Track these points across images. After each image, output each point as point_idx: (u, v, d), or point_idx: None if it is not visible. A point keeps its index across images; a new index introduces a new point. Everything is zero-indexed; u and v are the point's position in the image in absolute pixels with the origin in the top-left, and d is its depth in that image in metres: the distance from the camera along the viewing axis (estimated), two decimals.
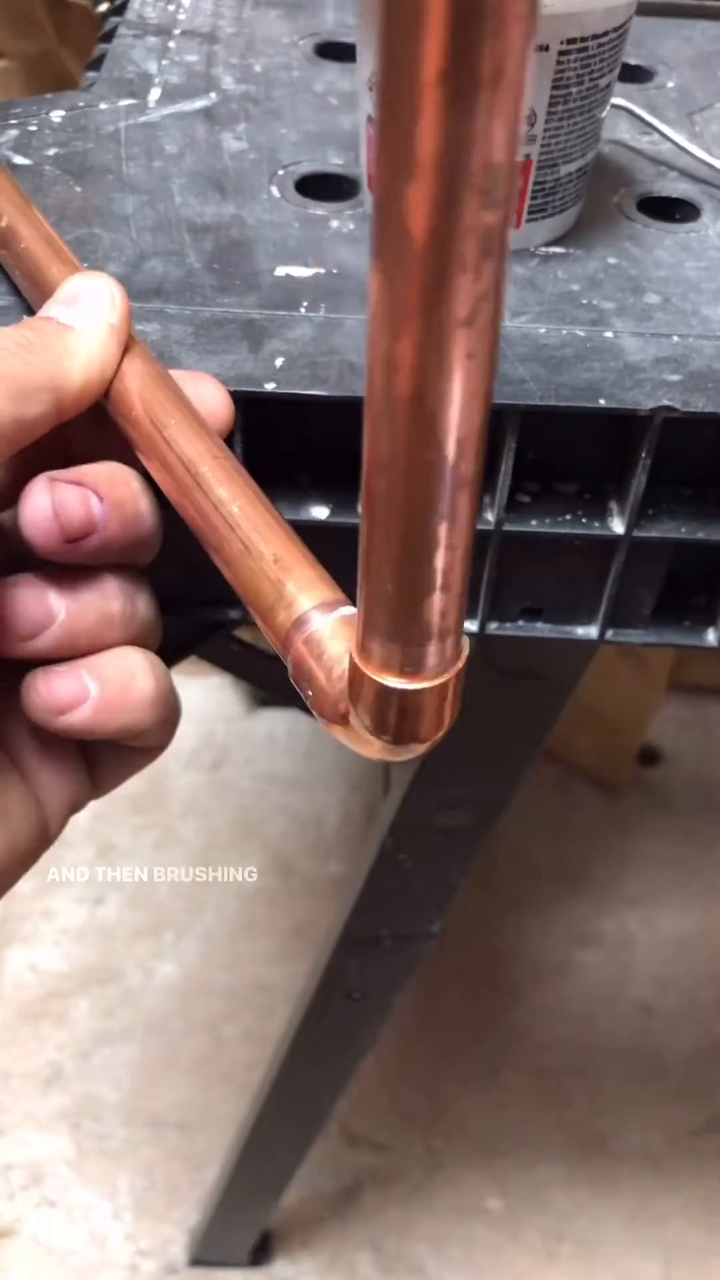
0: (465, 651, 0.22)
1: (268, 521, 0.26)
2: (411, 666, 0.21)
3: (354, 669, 0.22)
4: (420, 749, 0.23)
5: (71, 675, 0.27)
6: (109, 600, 0.27)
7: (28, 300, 0.33)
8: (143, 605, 0.28)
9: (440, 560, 0.19)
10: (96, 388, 0.27)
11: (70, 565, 0.27)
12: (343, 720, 0.23)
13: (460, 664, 0.22)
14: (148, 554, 0.29)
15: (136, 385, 0.28)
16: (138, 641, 0.28)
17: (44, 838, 0.29)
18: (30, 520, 0.26)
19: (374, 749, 0.23)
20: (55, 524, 0.26)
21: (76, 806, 0.30)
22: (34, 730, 0.28)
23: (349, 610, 0.24)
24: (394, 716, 0.22)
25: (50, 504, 0.25)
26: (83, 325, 0.28)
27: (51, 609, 0.27)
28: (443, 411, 0.16)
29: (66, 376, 0.27)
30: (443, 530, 0.18)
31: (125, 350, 0.29)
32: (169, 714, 0.29)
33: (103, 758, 0.31)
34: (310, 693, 0.24)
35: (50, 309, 0.29)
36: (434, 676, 0.21)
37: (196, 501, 0.26)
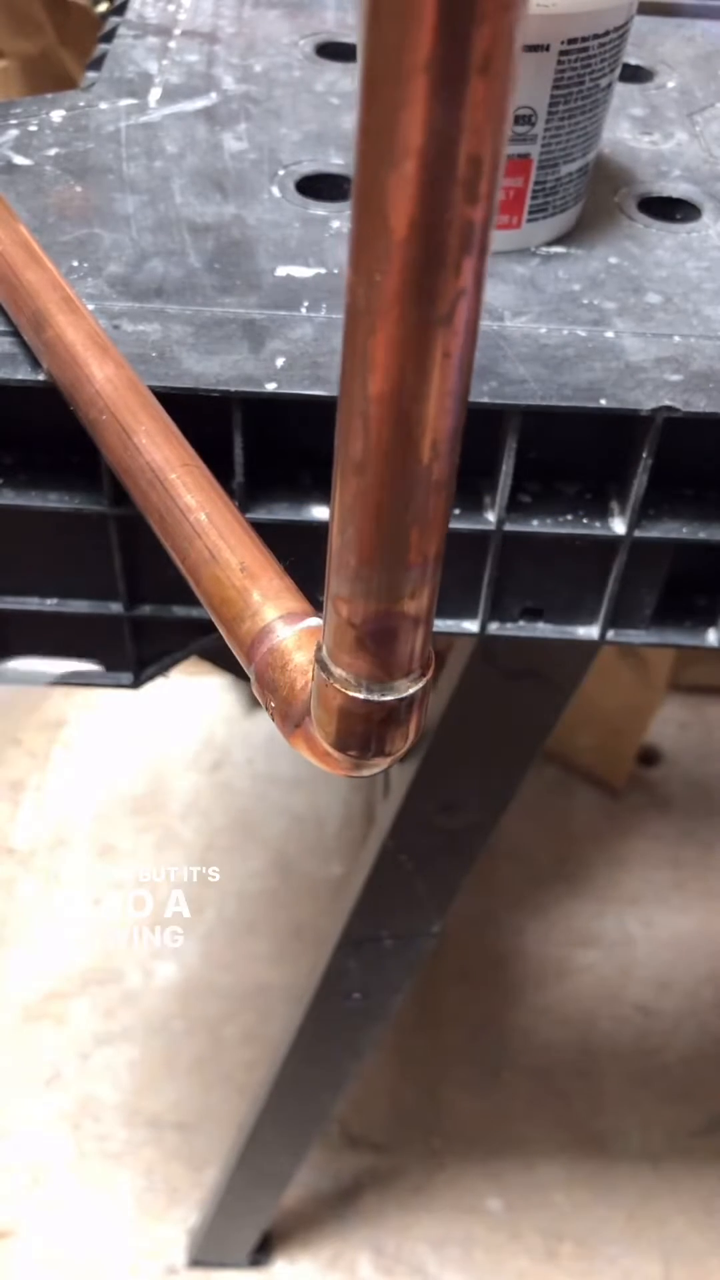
0: (433, 664, 0.21)
1: (235, 531, 0.25)
2: (378, 679, 0.20)
3: (318, 681, 0.21)
4: (383, 764, 0.22)
5: None
6: None
7: (1, 303, 0.33)
8: None
9: (411, 567, 0.18)
10: None
11: None
12: (306, 733, 0.22)
13: (429, 677, 0.21)
14: None
15: (107, 390, 0.28)
16: None
17: None
18: None
19: (337, 763, 0.22)
20: None
21: None
22: None
23: (315, 621, 0.23)
24: (359, 730, 0.21)
25: None
26: None
27: None
28: (417, 412, 0.16)
29: None
30: (414, 535, 0.18)
31: (98, 355, 0.29)
32: None
33: None
34: (273, 704, 0.23)
35: None
36: (401, 690, 0.20)
37: (163, 507, 0.26)
